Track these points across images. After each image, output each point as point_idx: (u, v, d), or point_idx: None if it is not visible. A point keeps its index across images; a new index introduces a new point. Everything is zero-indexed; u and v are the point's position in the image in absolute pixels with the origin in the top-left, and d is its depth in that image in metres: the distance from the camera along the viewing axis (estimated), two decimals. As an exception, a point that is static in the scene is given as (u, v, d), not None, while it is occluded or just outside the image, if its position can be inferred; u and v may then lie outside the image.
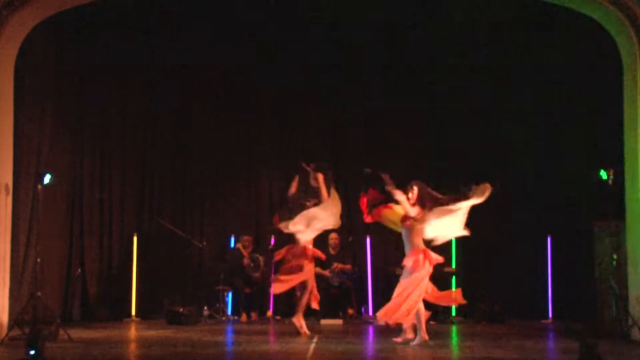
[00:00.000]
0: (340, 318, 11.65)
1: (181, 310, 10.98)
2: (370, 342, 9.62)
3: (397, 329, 9.01)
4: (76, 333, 9.57)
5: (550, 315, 11.73)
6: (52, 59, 11.40)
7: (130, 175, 12.33)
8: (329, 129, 12.83)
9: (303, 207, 9.61)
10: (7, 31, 9.49)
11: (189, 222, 12.44)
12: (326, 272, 11.79)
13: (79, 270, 11.78)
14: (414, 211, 8.61)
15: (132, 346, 9.13)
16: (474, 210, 8.65)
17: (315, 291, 9.97)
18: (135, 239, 12.00)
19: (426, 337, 8.69)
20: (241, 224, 12.44)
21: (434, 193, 8.65)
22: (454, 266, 11.84)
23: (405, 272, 8.72)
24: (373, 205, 9.17)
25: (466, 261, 11.93)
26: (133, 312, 11.77)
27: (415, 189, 8.68)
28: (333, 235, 11.83)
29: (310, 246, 9.83)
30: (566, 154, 11.83)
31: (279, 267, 10.10)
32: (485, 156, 12.26)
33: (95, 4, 10.24)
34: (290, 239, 9.97)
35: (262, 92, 12.64)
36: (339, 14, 12.23)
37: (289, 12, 12.05)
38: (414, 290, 8.57)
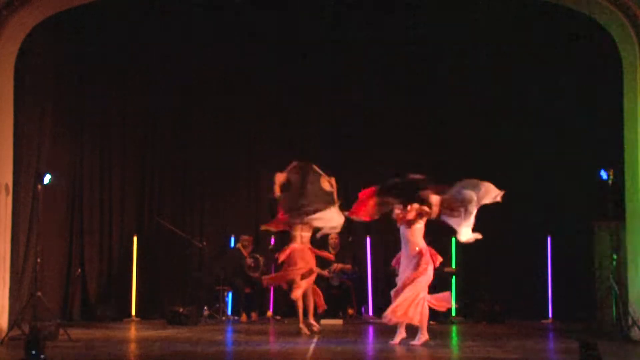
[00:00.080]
0: (340, 318, 11.64)
1: (181, 310, 10.98)
2: (370, 342, 9.62)
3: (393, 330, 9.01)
4: (76, 333, 9.58)
5: (550, 315, 11.73)
6: (52, 59, 11.40)
7: (130, 175, 12.33)
8: (329, 129, 12.82)
9: (299, 210, 9.70)
10: (7, 31, 9.50)
11: (189, 222, 12.44)
12: (326, 272, 11.79)
13: (79, 270, 11.80)
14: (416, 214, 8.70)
15: (132, 346, 9.13)
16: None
17: (315, 291, 10.02)
18: (135, 239, 12.00)
19: (427, 336, 8.70)
20: (241, 224, 12.43)
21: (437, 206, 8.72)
22: (454, 266, 11.83)
23: (407, 271, 8.68)
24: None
25: (466, 261, 11.93)
26: (133, 312, 11.78)
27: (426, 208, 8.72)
28: (333, 235, 11.82)
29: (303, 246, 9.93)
30: (566, 154, 11.83)
31: (282, 268, 10.11)
32: (485, 156, 12.25)
33: (95, 4, 10.24)
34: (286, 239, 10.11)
35: (262, 92, 12.64)
36: (339, 14, 12.23)
37: (289, 12, 12.05)
38: (423, 289, 8.60)
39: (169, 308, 11.20)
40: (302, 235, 9.89)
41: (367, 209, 9.07)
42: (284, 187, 9.97)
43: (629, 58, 9.64)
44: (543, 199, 11.94)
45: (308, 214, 9.69)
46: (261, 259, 11.94)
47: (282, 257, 9.90)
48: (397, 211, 8.81)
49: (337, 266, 11.93)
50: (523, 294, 11.84)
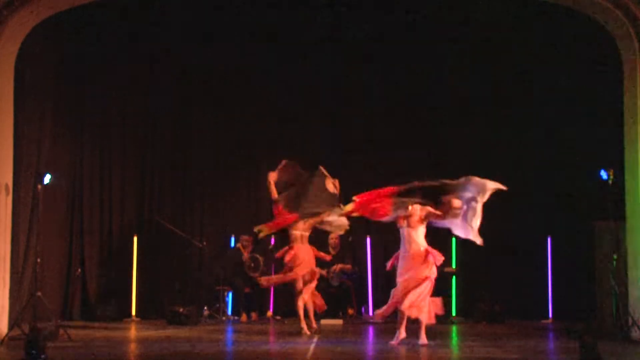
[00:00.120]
0: (340, 318, 11.64)
1: (181, 310, 10.98)
2: (370, 342, 9.63)
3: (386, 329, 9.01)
4: (76, 333, 9.58)
5: (550, 315, 11.73)
6: (52, 59, 11.41)
7: (130, 175, 12.34)
8: (329, 129, 12.82)
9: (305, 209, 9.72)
10: (7, 31, 9.50)
11: (189, 222, 12.45)
12: (326, 273, 11.78)
13: (79, 270, 11.80)
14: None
15: (132, 346, 9.13)
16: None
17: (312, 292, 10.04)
18: (135, 239, 12.00)
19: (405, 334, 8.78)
20: (241, 224, 12.43)
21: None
22: (454, 266, 11.83)
23: (411, 270, 8.66)
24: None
25: (466, 261, 11.92)
26: (133, 312, 11.78)
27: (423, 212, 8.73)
28: (333, 235, 11.83)
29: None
30: (566, 154, 11.83)
31: (283, 268, 10.10)
32: (485, 156, 12.26)
33: (95, 4, 10.24)
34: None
35: (262, 92, 12.64)
36: (340, 14, 12.24)
37: (289, 12, 12.06)
38: (432, 287, 8.65)
39: (169, 308, 11.19)
40: (303, 235, 9.90)
41: (382, 208, 8.97)
42: (282, 187, 9.98)
43: (629, 58, 9.64)
44: (543, 199, 11.94)
45: (314, 214, 9.69)
46: (261, 259, 11.93)
47: (288, 257, 9.86)
48: (407, 212, 8.74)
49: (337, 266, 11.93)
50: (523, 294, 11.84)
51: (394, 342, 8.76)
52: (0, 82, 9.60)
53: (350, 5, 12.07)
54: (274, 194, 9.90)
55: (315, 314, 10.76)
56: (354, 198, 9.00)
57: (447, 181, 8.66)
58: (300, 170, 10.10)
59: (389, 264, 8.95)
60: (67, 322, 10.84)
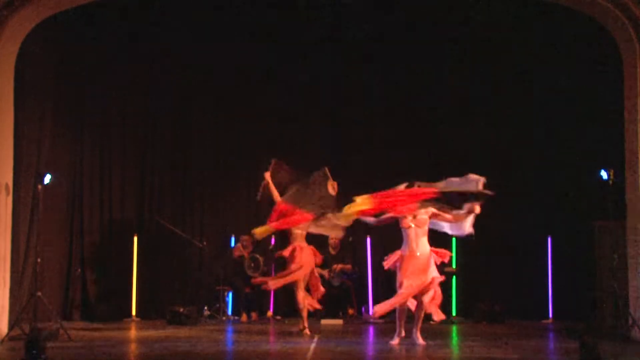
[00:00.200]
0: (340, 318, 11.64)
1: (181, 310, 10.98)
2: (370, 342, 9.63)
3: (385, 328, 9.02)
4: (76, 333, 9.58)
5: (550, 315, 11.72)
6: (52, 59, 11.41)
7: (130, 175, 12.33)
8: (329, 129, 12.82)
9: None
10: (7, 31, 9.50)
11: (189, 222, 12.44)
12: (326, 272, 11.79)
13: (79, 270, 11.80)
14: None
15: (132, 346, 9.14)
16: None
17: (314, 291, 10.01)
18: (135, 239, 11.99)
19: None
20: (241, 224, 12.43)
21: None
22: (454, 266, 11.83)
23: (419, 273, 8.65)
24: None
25: (466, 261, 11.92)
26: (133, 312, 11.77)
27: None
28: (333, 235, 11.82)
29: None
30: (566, 154, 11.83)
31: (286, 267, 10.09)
32: (485, 156, 12.26)
33: (95, 4, 10.24)
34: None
35: (262, 92, 12.63)
36: (340, 14, 12.24)
37: (289, 12, 12.05)
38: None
39: (169, 308, 11.19)
40: (303, 234, 9.90)
41: (406, 207, 8.91)
42: (282, 188, 9.95)
43: (629, 58, 9.64)
44: (543, 199, 11.94)
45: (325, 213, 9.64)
46: (261, 259, 11.93)
47: (296, 258, 9.85)
48: (419, 212, 8.73)
49: (337, 266, 11.93)
50: (523, 294, 11.84)
51: (393, 341, 8.76)
52: (0, 82, 9.60)
53: (350, 5, 12.07)
54: (276, 193, 9.88)
55: (316, 314, 10.80)
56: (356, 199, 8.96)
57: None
58: (289, 168, 10.06)
59: (389, 264, 8.89)
60: (67, 322, 10.83)
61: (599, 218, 10.26)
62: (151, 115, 12.50)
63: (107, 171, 12.20)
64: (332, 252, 12.02)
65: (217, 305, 11.79)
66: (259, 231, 9.78)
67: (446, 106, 12.54)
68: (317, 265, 10.25)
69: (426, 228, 8.75)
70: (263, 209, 12.18)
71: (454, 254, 11.85)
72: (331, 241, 11.93)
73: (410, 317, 8.91)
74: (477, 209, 8.62)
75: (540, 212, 11.92)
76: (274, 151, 12.35)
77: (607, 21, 9.76)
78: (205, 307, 11.82)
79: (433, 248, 8.82)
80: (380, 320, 11.02)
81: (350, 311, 11.92)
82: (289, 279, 9.84)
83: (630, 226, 9.57)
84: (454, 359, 8.29)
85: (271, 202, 9.95)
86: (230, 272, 11.99)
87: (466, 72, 12.42)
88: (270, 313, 12.12)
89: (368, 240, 12.25)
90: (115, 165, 12.25)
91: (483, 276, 12.05)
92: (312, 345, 8.74)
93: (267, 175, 9.97)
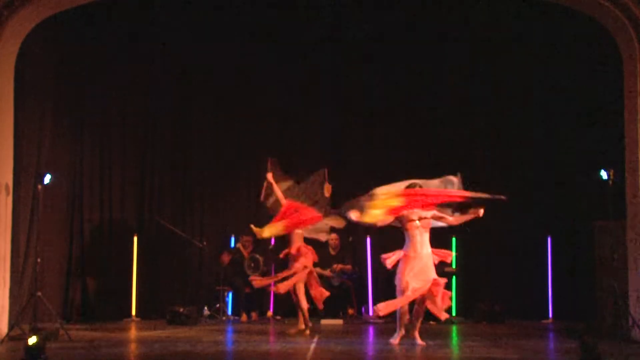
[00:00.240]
0: (340, 318, 11.65)
1: (181, 310, 10.98)
2: (370, 342, 9.62)
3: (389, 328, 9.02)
4: (76, 333, 9.58)
5: (550, 315, 11.72)
6: (52, 59, 11.41)
7: (130, 175, 12.33)
8: (329, 129, 12.82)
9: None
10: (7, 31, 9.50)
11: (189, 222, 12.44)
12: (326, 272, 11.79)
13: (79, 270, 11.79)
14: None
15: (132, 346, 9.13)
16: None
17: (315, 290, 10.00)
18: (135, 238, 12.00)
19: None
20: (241, 224, 12.43)
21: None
22: (454, 266, 11.82)
23: (425, 274, 8.66)
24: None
25: (466, 261, 11.92)
26: (133, 312, 11.77)
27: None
28: (333, 236, 11.83)
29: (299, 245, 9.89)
30: (566, 154, 11.83)
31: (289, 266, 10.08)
32: (485, 156, 12.28)
33: (95, 4, 10.24)
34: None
35: (262, 92, 12.64)
36: (340, 14, 12.24)
37: (289, 12, 12.06)
38: None
39: (169, 308, 11.19)
40: (302, 234, 9.91)
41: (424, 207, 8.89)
42: (285, 189, 9.96)
43: (629, 58, 9.63)
44: (543, 199, 11.94)
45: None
46: (261, 260, 11.93)
47: (302, 257, 9.82)
48: (423, 213, 8.75)
49: (337, 266, 11.93)
50: (523, 294, 11.84)
51: (394, 340, 8.76)
52: (0, 82, 9.60)
53: (350, 5, 12.07)
54: (280, 194, 9.85)
55: (316, 313, 10.80)
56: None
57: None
58: (282, 172, 10.07)
59: (392, 263, 8.81)
60: (67, 322, 10.84)
61: (599, 218, 10.26)
62: (151, 115, 12.50)
63: (107, 171, 12.20)
64: (332, 252, 12.03)
65: (217, 305, 11.78)
66: (268, 231, 9.74)
67: (446, 106, 12.55)
68: (314, 265, 10.26)
69: (429, 229, 8.76)
70: (263, 209, 12.23)
71: (453, 254, 11.85)
72: (331, 241, 11.93)
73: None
74: (481, 212, 8.65)
75: (540, 212, 11.92)
76: (274, 151, 12.40)
77: (607, 21, 9.76)
78: (205, 307, 11.82)
79: (434, 249, 8.82)
80: (380, 320, 11.04)
81: (350, 311, 11.92)
82: (295, 280, 9.82)
83: (630, 226, 9.57)
84: (454, 359, 8.28)
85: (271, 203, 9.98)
86: (230, 272, 11.98)
87: (466, 72, 12.42)
88: (270, 313, 12.13)
89: (368, 240, 12.26)
90: (115, 165, 12.25)
91: (483, 276, 12.06)
92: (312, 345, 8.75)
93: (270, 176, 9.96)
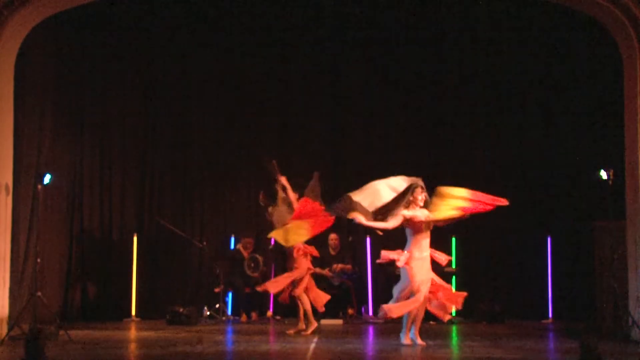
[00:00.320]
0: (340, 318, 11.64)
1: (181, 310, 10.98)
2: (370, 342, 9.62)
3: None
4: (76, 333, 9.57)
5: (550, 315, 11.72)
6: (52, 59, 11.41)
7: (130, 175, 12.33)
8: (328, 129, 12.82)
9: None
10: (7, 31, 9.49)
11: (189, 222, 12.44)
12: (327, 272, 11.79)
13: (79, 270, 11.79)
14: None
15: (132, 346, 9.13)
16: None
17: (315, 292, 9.99)
18: (135, 239, 11.99)
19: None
20: (241, 224, 12.43)
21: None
22: (454, 266, 11.82)
23: (429, 269, 8.68)
24: None
25: (466, 261, 11.92)
26: (133, 312, 11.77)
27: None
28: (333, 236, 11.84)
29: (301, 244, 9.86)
30: (566, 154, 11.83)
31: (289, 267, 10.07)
32: (485, 156, 12.27)
33: (95, 4, 10.25)
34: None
35: (263, 93, 12.63)
36: (339, 13, 12.24)
37: (289, 12, 12.06)
38: None
39: (169, 308, 11.19)
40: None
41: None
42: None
43: (629, 58, 9.63)
44: (543, 199, 11.94)
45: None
46: (261, 260, 11.93)
47: (305, 258, 9.82)
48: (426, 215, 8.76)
49: (337, 266, 11.93)
50: (523, 294, 11.85)
51: (405, 341, 8.67)
52: (0, 82, 9.60)
53: (350, 5, 12.07)
54: (293, 195, 9.79)
55: (316, 314, 10.78)
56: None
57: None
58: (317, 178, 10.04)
59: (402, 263, 8.66)
60: (67, 322, 10.83)
61: (599, 218, 10.26)
62: (151, 115, 12.49)
63: (107, 171, 12.20)
64: (332, 252, 12.02)
65: (217, 305, 11.78)
66: (293, 239, 9.55)
67: (446, 106, 12.54)
68: (315, 265, 10.26)
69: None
70: (263, 209, 12.22)
71: (453, 254, 11.87)
72: (331, 241, 11.93)
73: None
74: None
75: (540, 212, 11.92)
76: (274, 151, 12.39)
77: (607, 21, 9.76)
78: (205, 307, 11.82)
79: (432, 250, 8.80)
80: (380, 320, 11.03)
81: (350, 311, 11.91)
82: (304, 281, 9.80)
83: (630, 226, 9.57)
84: (454, 359, 8.28)
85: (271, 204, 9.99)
86: (231, 272, 11.98)
87: (466, 72, 12.42)
88: (270, 313, 12.12)
89: (368, 240, 12.25)
90: (115, 165, 12.24)
91: (483, 276, 12.05)
92: (312, 345, 8.74)
93: (284, 179, 9.88)
